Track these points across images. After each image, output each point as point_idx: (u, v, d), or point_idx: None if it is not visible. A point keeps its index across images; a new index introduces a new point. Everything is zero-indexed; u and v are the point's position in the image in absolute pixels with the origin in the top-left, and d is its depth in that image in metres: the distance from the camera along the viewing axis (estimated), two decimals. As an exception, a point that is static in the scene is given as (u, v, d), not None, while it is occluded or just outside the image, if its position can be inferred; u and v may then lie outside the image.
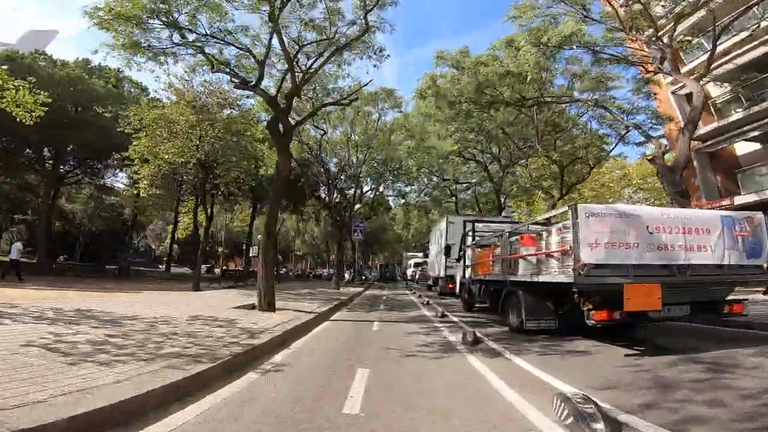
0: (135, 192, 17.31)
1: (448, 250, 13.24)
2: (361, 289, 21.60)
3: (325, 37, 11.47)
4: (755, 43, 17.17)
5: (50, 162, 30.01)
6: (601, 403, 2.98)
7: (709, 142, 20.92)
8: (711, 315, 6.26)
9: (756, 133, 17.90)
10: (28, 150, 28.12)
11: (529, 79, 17.14)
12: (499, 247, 8.20)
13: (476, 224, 11.31)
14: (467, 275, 11.14)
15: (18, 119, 10.46)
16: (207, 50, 10.83)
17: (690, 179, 20.70)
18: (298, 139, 20.83)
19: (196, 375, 3.66)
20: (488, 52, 19.25)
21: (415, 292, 20.24)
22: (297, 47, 11.16)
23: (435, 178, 31.00)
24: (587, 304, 5.20)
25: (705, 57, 18.07)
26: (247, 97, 18.79)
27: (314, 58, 12.23)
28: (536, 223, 8.16)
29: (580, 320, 5.37)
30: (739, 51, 17.69)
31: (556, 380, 4.08)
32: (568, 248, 5.23)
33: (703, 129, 19.48)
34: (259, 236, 51.36)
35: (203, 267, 48.57)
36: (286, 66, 11.38)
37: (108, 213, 48.29)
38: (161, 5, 9.07)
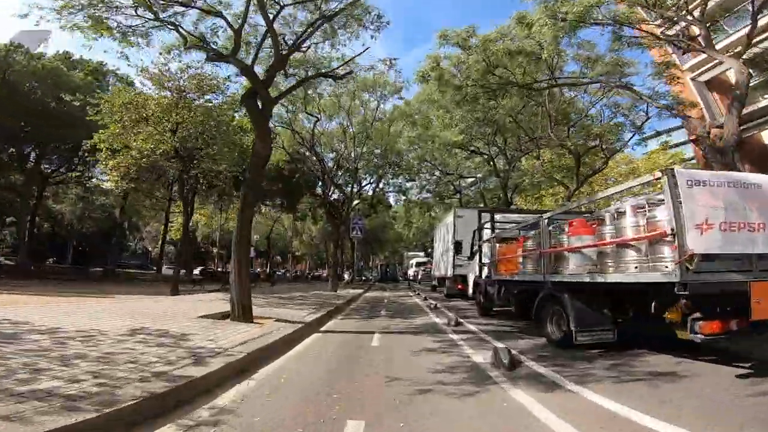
0: (111, 186, 15.62)
1: (458, 246, 11.54)
2: (360, 290, 19.87)
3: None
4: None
5: (32, 161, 28.46)
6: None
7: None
8: None
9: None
10: (11, 149, 26.59)
11: (544, 56, 15.47)
12: (530, 240, 6.50)
13: (495, 215, 9.54)
14: (484, 274, 9.44)
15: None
16: (179, 26, 9.32)
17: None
18: (290, 129, 19.09)
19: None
20: (498, 30, 17.56)
21: (419, 294, 18.53)
22: (278, 6, 9.46)
23: (437, 173, 29.26)
24: (693, 311, 3.48)
25: (736, 37, 16.48)
26: (233, 81, 17.12)
27: (301, 33, 10.65)
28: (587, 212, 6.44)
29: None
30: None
31: (668, 426, 2.60)
32: (666, 232, 3.50)
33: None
34: (256, 236, 49.70)
35: (197, 269, 47.08)
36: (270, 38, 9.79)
37: (98, 214, 46.65)
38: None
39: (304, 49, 12.43)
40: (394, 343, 6.17)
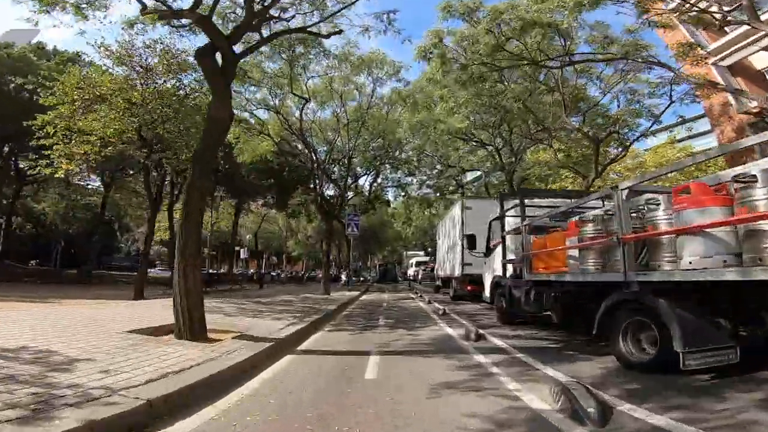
0: (61, 175, 13.62)
1: (471, 240, 9.63)
2: (356, 293, 17.92)
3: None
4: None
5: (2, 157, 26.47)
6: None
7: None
8: None
9: None
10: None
11: (564, 24, 13.69)
12: (592, 225, 4.61)
13: (526, 199, 7.58)
14: (508, 273, 7.55)
15: None
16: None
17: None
18: (275, 111, 17.07)
19: None
20: (509, 2, 15.72)
21: (421, 296, 16.60)
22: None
23: (439, 166, 27.37)
24: None
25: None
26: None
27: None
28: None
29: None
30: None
31: None
32: None
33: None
34: (249, 236, 47.74)
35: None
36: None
37: (84, 213, 44.61)
38: None
39: (286, 17, 10.57)
40: (399, 373, 4.24)
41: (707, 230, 2.99)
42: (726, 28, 17.41)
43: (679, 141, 28.77)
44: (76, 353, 3.93)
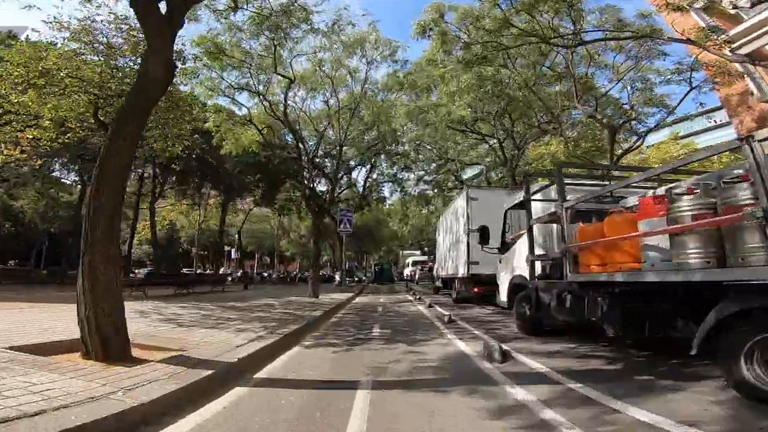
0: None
1: (484, 234, 8.03)
2: (349, 294, 16.31)
3: None
4: None
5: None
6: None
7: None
8: None
9: None
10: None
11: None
12: (691, 200, 3.07)
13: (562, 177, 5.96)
14: (536, 271, 5.99)
15: None
16: None
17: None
18: (256, 92, 15.34)
19: None
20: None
21: (420, 298, 15.03)
22: None
23: (437, 159, 25.83)
24: None
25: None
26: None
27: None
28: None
29: None
30: None
31: None
32: None
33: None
34: (236, 235, 45.90)
35: (184, 269, 43.16)
36: None
37: (67, 212, 42.58)
38: None
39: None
40: (402, 426, 2.66)
41: None
42: (744, 15, 16.16)
43: (682, 138, 27.60)
44: None
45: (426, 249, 51.88)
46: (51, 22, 10.49)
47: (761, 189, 2.44)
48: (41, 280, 23.74)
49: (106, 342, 3.69)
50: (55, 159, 24.01)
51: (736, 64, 18.72)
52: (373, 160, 23.42)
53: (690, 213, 3.02)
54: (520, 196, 7.43)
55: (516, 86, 19.07)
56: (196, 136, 17.18)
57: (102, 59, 10.93)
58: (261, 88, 16.35)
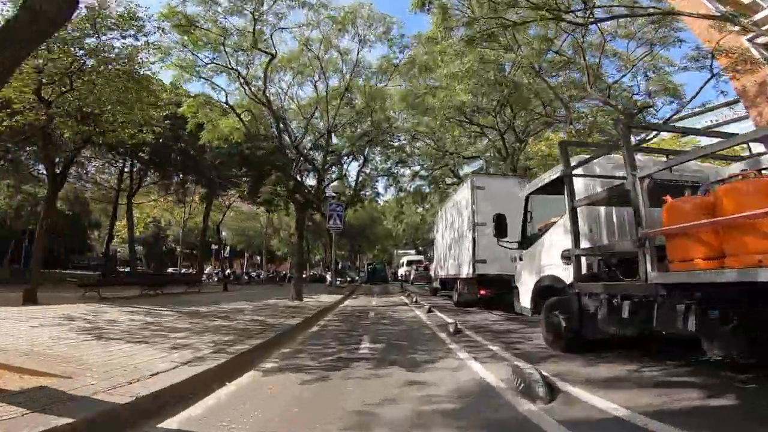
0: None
1: (500, 224, 6.50)
2: (338, 297, 14.73)
3: None
4: None
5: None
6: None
7: None
8: None
9: None
10: None
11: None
12: None
13: (629, 135, 4.39)
14: (577, 271, 4.49)
15: None
16: None
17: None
18: (234, 70, 13.64)
19: None
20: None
21: (416, 300, 13.49)
22: None
23: (434, 153, 24.35)
24: None
25: None
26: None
27: None
28: None
29: None
30: None
31: None
32: None
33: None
34: (224, 233, 44.07)
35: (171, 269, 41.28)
36: None
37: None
38: None
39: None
40: None
41: None
42: (762, 2, 14.94)
43: (683, 135, 26.38)
44: None
45: (421, 248, 50.42)
46: None
47: None
48: (7, 280, 21.93)
49: None
50: (21, 150, 22.10)
51: (755, 54, 17.34)
52: (365, 152, 21.85)
53: None
54: (545, 176, 5.94)
55: (521, 72, 17.73)
56: (168, 122, 15.56)
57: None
58: (241, 70, 14.72)
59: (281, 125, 13.99)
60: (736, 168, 3.75)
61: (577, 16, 12.82)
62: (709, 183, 3.15)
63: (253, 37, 12.91)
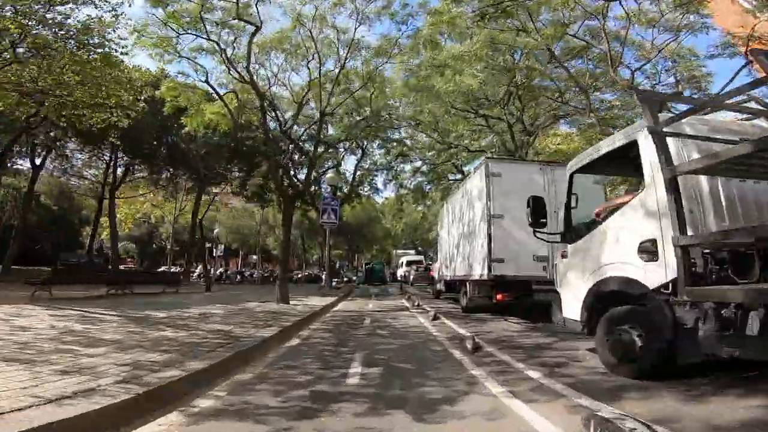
0: None
1: (537, 209, 4.96)
2: (332, 299, 13.20)
3: None
4: None
5: None
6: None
7: None
8: None
9: None
10: None
11: None
12: None
13: None
14: (674, 272, 2.99)
15: None
16: None
17: None
18: (219, 47, 12.10)
19: None
20: None
21: (417, 304, 11.95)
22: None
23: (438, 145, 22.91)
24: None
25: None
26: None
27: None
28: None
29: None
30: None
31: None
32: None
33: None
34: (217, 229, 42.49)
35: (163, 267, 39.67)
36: None
37: (37, 207, 38.83)
38: None
39: None
40: None
41: None
42: None
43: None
44: None
45: (420, 249, 48.88)
46: None
47: None
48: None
49: None
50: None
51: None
52: (364, 144, 20.31)
53: None
54: (605, 143, 4.44)
55: (533, 60, 16.38)
56: (144, 105, 14.08)
57: None
58: (227, 50, 13.17)
59: (265, 104, 12.42)
60: None
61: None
62: None
63: (237, 7, 11.40)
